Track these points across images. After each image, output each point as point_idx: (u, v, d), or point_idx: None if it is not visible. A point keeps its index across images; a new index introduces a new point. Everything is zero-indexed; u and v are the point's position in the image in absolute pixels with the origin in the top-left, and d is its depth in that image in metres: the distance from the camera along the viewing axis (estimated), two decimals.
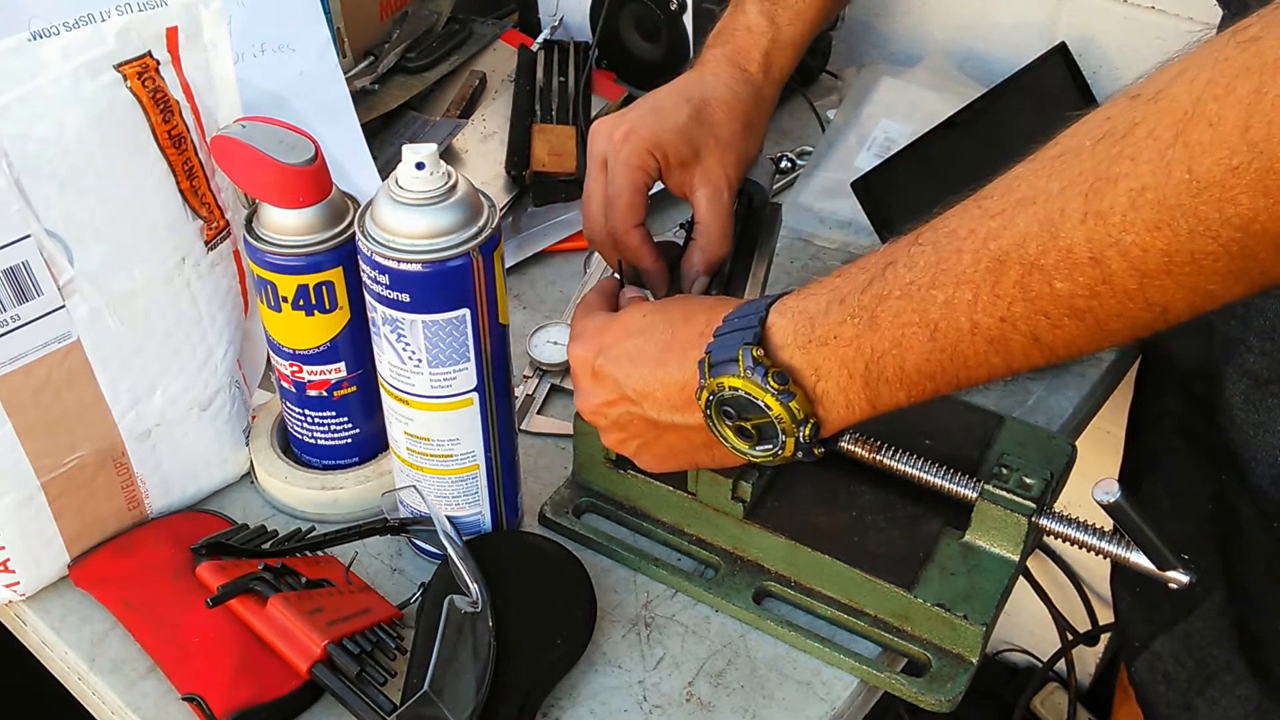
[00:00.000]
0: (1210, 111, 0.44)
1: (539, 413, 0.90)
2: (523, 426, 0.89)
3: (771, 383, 0.58)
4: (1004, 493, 0.71)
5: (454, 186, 0.65)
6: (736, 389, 0.59)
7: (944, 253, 0.53)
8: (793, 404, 0.58)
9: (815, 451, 0.61)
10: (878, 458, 0.76)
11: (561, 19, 1.23)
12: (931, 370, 0.56)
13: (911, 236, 0.56)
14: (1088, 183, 0.48)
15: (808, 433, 0.59)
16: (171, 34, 0.69)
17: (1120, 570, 0.84)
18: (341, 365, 0.76)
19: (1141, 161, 0.46)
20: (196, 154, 0.72)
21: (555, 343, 0.94)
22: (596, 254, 1.03)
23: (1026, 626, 1.60)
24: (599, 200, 0.77)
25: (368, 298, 0.68)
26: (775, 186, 1.13)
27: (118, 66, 0.67)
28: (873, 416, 0.60)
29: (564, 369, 0.93)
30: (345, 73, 1.01)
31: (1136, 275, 0.48)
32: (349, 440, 0.80)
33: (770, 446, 0.61)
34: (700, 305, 0.66)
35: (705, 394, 0.61)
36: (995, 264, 0.51)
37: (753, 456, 0.62)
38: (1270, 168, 0.43)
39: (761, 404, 0.59)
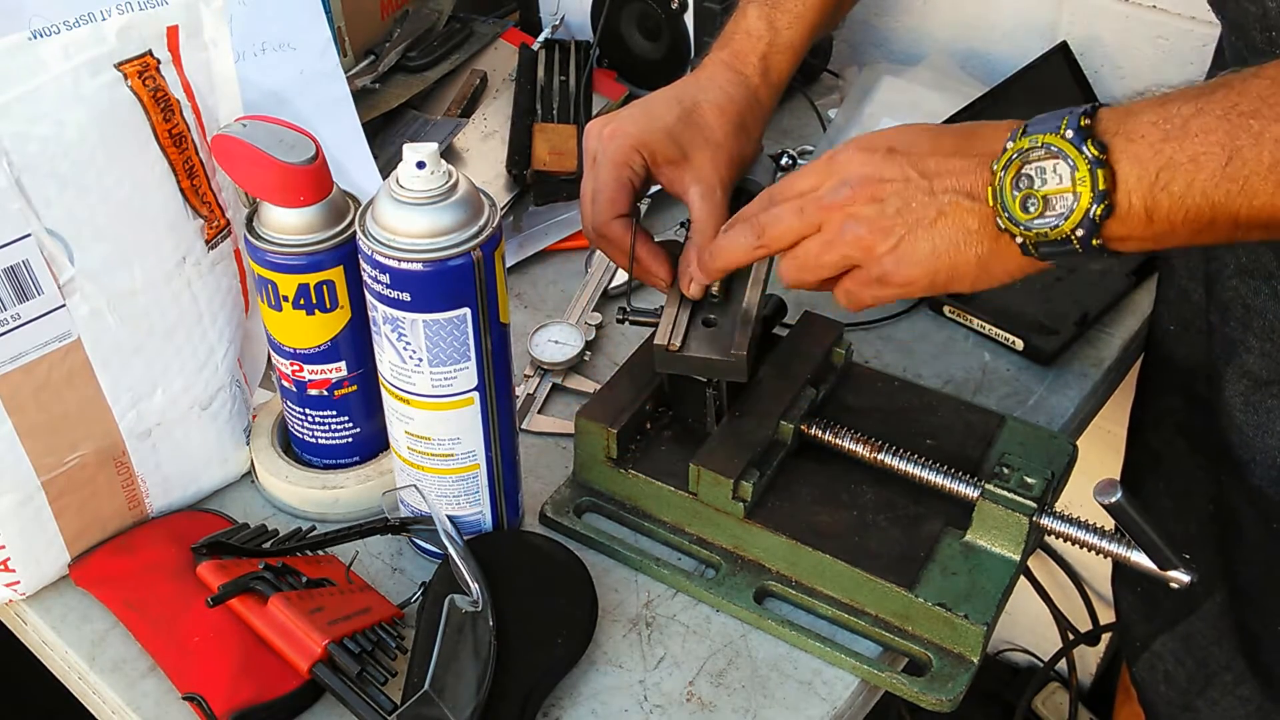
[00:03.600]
0: None
1: (540, 412, 0.90)
2: (524, 426, 0.89)
3: (1090, 149, 0.58)
4: (1005, 492, 0.71)
5: (455, 186, 0.65)
6: (1051, 145, 0.59)
7: (1278, 88, 0.54)
8: (1101, 173, 0.58)
9: (1094, 241, 0.59)
10: (879, 457, 0.76)
11: (562, 18, 1.23)
12: (1215, 199, 0.56)
13: (1255, 69, 0.56)
14: None
15: (1099, 211, 0.58)
16: (172, 33, 0.69)
17: (1122, 570, 0.84)
18: (342, 364, 0.76)
19: None
20: (197, 153, 0.72)
21: (556, 341, 0.94)
22: (599, 253, 1.03)
23: (1028, 626, 1.60)
24: (590, 197, 0.78)
25: (368, 297, 0.68)
26: None
27: (118, 65, 0.67)
28: (1144, 235, 0.59)
29: (565, 368, 0.93)
30: (346, 72, 1.01)
31: None
32: (350, 439, 0.80)
33: (1053, 219, 0.59)
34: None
35: (1009, 154, 0.60)
36: None
37: (1026, 230, 0.60)
38: None
39: (1070, 162, 0.58)
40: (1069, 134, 0.58)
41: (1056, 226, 0.59)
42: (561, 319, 0.97)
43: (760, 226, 0.69)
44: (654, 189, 1.08)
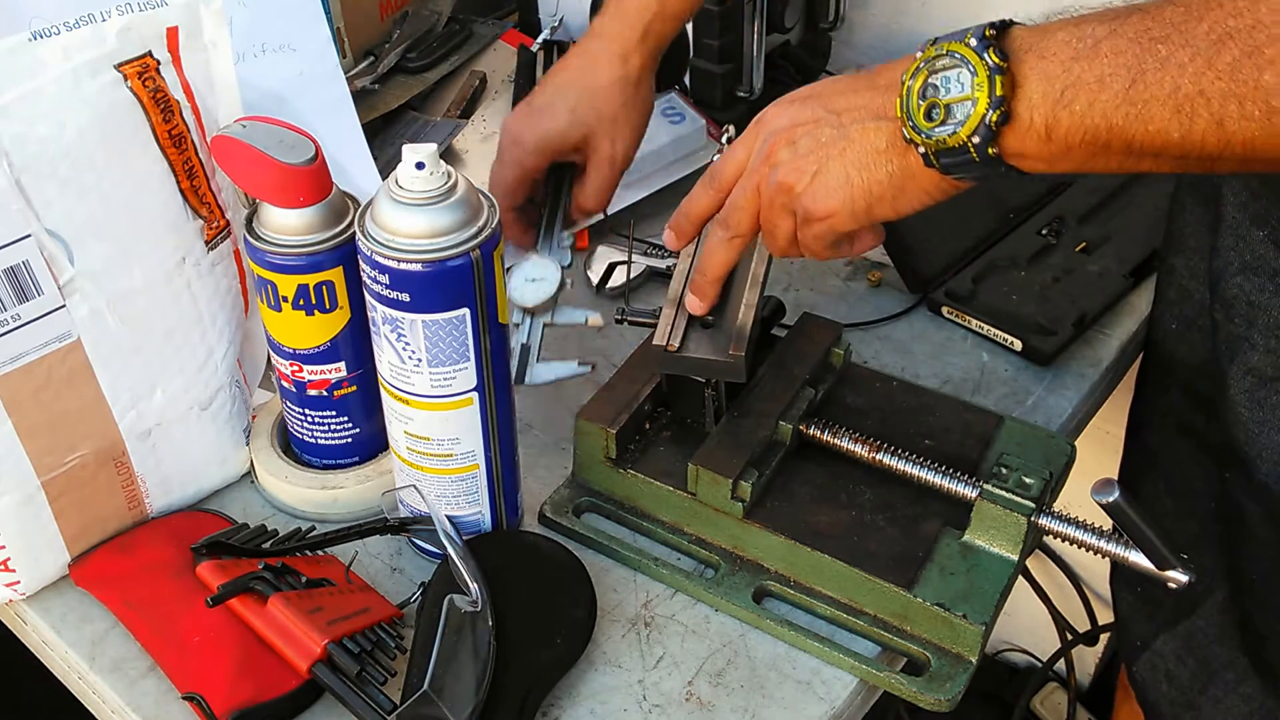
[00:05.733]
0: None
1: (539, 361, 0.86)
2: (527, 381, 0.85)
3: (991, 56, 0.59)
4: (1003, 492, 0.71)
5: (454, 186, 0.65)
6: (954, 52, 0.60)
7: (1190, 16, 0.55)
8: (1000, 79, 0.59)
9: (990, 150, 0.60)
10: (878, 457, 0.76)
11: (561, 19, 1.23)
12: (1114, 121, 0.56)
13: None
14: None
15: (995, 118, 0.59)
16: (172, 34, 0.69)
17: (1120, 569, 0.84)
18: (341, 365, 0.76)
19: None
20: (197, 154, 0.72)
21: (533, 280, 0.89)
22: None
23: (1026, 626, 1.60)
24: (498, 186, 0.93)
25: (368, 297, 0.68)
26: None
27: (118, 66, 0.67)
28: (1040, 153, 0.60)
29: (550, 305, 0.88)
30: (345, 73, 1.01)
31: None
32: (349, 440, 0.80)
33: (952, 126, 0.60)
34: None
35: (917, 63, 0.62)
36: (1223, 38, 0.53)
37: (928, 139, 0.61)
38: None
39: (971, 68, 0.59)
40: (972, 42, 0.60)
41: (954, 133, 0.60)
42: (533, 253, 0.92)
43: (724, 219, 0.73)
44: (642, 195, 1.09)
